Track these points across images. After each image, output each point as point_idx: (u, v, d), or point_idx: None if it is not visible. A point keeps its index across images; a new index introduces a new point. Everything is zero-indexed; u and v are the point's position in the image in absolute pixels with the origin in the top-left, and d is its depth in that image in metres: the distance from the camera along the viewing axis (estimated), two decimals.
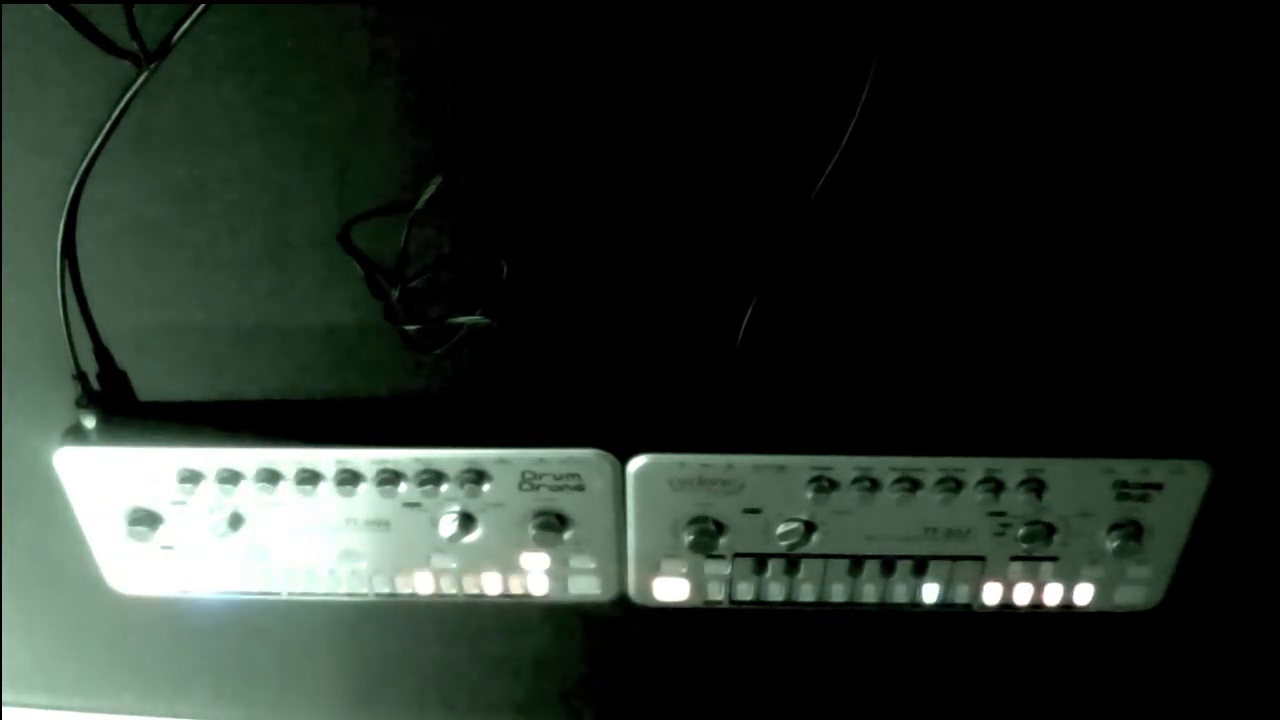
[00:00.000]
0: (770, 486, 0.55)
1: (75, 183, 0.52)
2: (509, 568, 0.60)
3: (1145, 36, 0.46)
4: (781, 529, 0.56)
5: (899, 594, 0.59)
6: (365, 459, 0.56)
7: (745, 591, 0.59)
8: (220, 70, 0.49)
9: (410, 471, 0.56)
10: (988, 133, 0.49)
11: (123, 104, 0.50)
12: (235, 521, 0.58)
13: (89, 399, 0.57)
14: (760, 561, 0.58)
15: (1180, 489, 0.54)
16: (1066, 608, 0.59)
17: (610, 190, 0.52)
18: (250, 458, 0.56)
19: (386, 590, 0.61)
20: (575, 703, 0.72)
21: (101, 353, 0.58)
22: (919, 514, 0.55)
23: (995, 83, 0.48)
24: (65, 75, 0.50)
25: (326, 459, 0.56)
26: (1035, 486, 0.54)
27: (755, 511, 0.56)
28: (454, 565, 0.60)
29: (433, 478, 0.56)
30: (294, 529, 0.59)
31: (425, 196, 0.52)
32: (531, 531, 0.57)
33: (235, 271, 0.55)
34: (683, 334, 0.56)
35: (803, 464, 0.54)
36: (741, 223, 0.52)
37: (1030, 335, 0.55)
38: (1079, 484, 0.54)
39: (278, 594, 0.61)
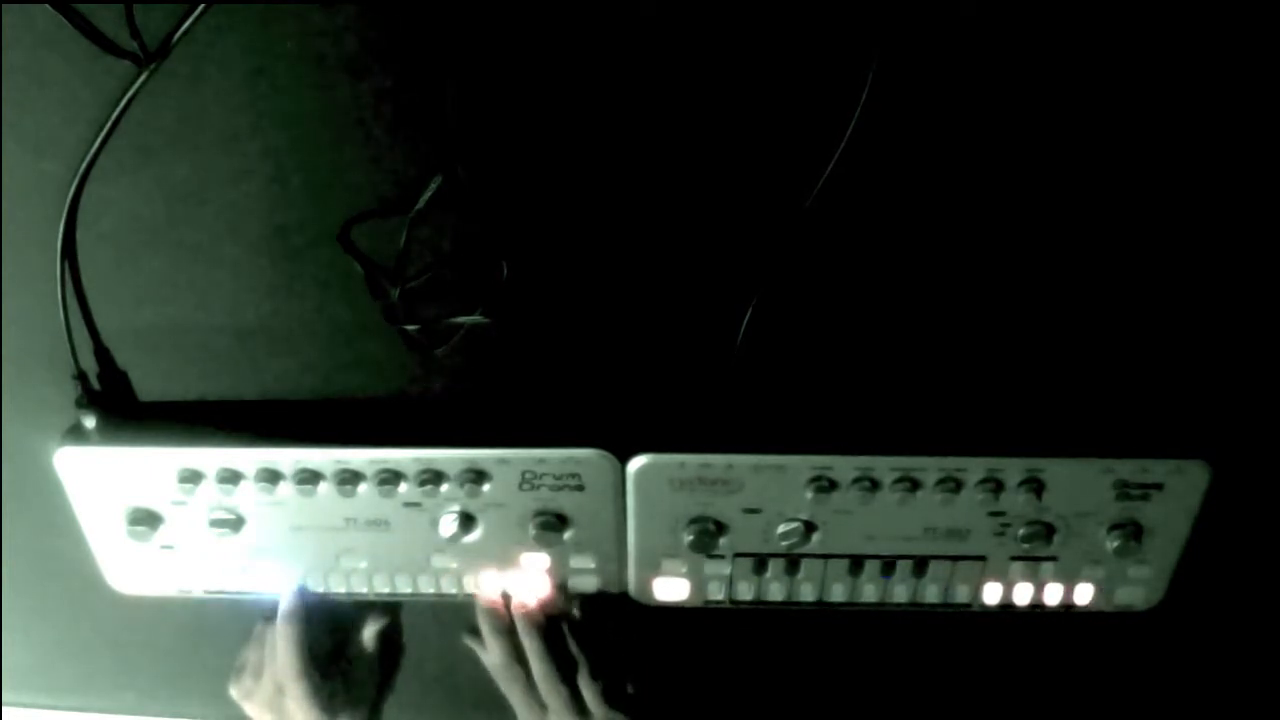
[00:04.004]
0: (770, 486, 0.55)
1: (75, 183, 0.52)
2: (509, 568, 0.60)
3: (1145, 37, 0.46)
4: (781, 529, 0.56)
5: (899, 594, 0.59)
6: (365, 459, 0.56)
7: (745, 591, 0.59)
8: (220, 70, 0.50)
9: (410, 471, 0.56)
10: (987, 133, 0.49)
11: (123, 104, 0.50)
12: (235, 522, 0.58)
13: (89, 399, 0.57)
14: (760, 561, 0.58)
15: (1180, 489, 0.54)
16: (1066, 608, 0.59)
17: (610, 191, 0.52)
18: (250, 458, 0.56)
19: (386, 590, 0.61)
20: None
21: (101, 353, 0.58)
22: (919, 514, 0.55)
23: (995, 83, 0.48)
24: (65, 75, 0.50)
25: (326, 459, 0.56)
26: (1035, 486, 0.54)
27: (755, 511, 0.56)
28: (454, 565, 0.60)
29: (433, 478, 0.56)
30: (294, 529, 0.59)
31: (425, 196, 0.52)
32: (531, 531, 0.57)
33: (235, 271, 0.55)
34: (683, 335, 0.56)
35: (803, 464, 0.54)
36: (741, 224, 0.52)
37: (1030, 335, 0.55)
38: (1079, 484, 0.54)
39: (277, 594, 0.61)
